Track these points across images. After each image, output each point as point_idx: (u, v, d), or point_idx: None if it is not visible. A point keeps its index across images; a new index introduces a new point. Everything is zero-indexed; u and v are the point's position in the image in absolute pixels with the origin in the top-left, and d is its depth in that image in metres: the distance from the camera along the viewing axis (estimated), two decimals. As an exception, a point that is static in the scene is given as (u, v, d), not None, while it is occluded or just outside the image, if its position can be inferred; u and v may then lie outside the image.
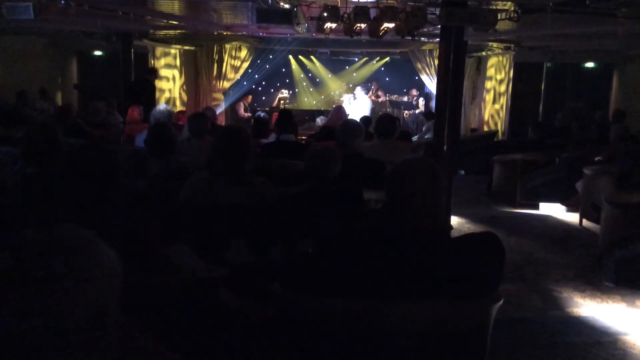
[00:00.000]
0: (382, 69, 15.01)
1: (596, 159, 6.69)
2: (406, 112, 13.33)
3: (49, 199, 2.32)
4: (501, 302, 2.07)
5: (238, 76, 13.18)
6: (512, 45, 11.13)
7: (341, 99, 14.07)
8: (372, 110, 11.97)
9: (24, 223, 2.09)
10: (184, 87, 12.93)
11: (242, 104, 12.95)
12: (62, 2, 5.98)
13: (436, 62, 11.14)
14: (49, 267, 1.12)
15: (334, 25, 6.76)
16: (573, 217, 6.90)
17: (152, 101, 9.06)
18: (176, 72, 12.65)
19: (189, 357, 2.15)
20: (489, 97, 12.87)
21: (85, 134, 6.88)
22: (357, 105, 11.93)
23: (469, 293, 2.03)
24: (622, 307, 4.32)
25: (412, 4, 6.07)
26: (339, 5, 6.30)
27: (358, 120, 5.99)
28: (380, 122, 5.37)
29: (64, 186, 2.30)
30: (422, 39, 10.63)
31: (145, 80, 9.75)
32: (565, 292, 4.59)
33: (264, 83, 14.82)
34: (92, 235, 1.22)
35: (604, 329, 3.94)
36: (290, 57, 14.51)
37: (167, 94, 12.01)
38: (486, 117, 12.89)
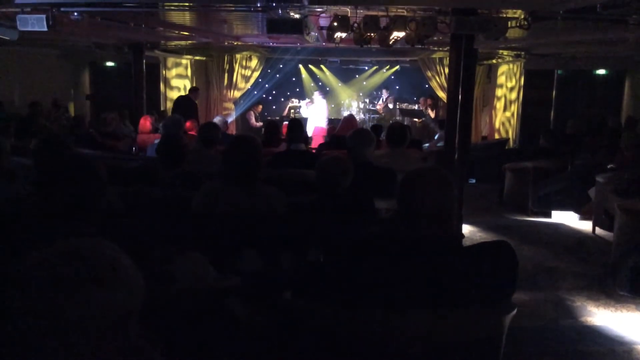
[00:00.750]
0: (392, 77, 15.01)
1: (609, 166, 6.64)
2: (416, 119, 13.29)
3: (59, 210, 2.33)
4: (515, 311, 2.05)
5: (249, 86, 13.25)
6: (523, 52, 11.09)
7: (299, 104, 14.05)
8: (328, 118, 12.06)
9: (38, 233, 2.11)
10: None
11: (252, 113, 13.01)
12: (75, 14, 6.04)
13: (446, 70, 11.13)
14: (76, 274, 1.18)
15: (344, 35, 6.78)
16: (586, 225, 6.85)
17: (194, 116, 9.98)
18: (187, 82, 12.76)
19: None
20: (499, 104, 12.81)
21: (97, 144, 6.95)
22: (314, 111, 11.88)
23: (482, 302, 2.02)
24: (636, 316, 4.28)
25: (422, 12, 6.07)
26: (349, 15, 6.31)
27: (368, 129, 5.98)
28: (391, 130, 5.36)
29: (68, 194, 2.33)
30: (433, 47, 10.62)
31: (188, 98, 11.03)
32: (578, 300, 4.56)
33: (274, 92, 14.87)
34: (115, 248, 1.30)
35: (618, 338, 3.90)
36: (301, 66, 14.56)
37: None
38: (497, 124, 12.83)
